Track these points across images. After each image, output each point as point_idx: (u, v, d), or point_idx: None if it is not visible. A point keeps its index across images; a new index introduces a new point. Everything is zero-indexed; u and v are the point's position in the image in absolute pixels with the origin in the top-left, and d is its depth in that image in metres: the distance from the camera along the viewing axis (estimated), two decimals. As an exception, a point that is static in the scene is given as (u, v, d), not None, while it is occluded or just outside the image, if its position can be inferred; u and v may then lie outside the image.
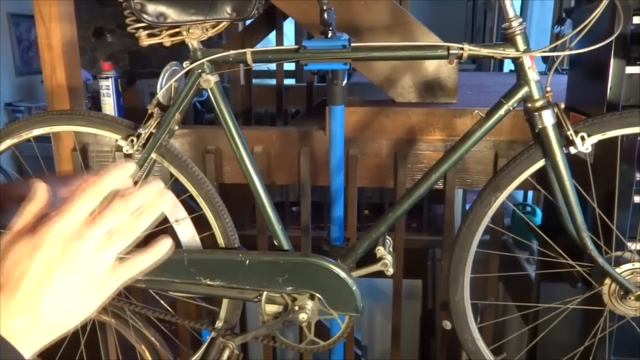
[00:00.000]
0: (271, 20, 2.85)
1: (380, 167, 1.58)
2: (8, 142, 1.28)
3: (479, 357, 1.17)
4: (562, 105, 1.02)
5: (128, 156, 1.53)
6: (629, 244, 1.13)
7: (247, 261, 1.14)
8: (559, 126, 1.00)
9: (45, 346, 0.49)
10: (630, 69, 1.17)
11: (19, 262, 0.48)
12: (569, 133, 1.00)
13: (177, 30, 1.08)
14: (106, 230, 0.50)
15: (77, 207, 0.50)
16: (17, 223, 0.51)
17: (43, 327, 0.48)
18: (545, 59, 2.29)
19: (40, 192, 0.53)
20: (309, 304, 1.14)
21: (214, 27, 1.08)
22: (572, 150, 1.01)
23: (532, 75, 1.00)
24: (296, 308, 1.14)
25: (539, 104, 1.00)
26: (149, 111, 1.17)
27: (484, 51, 1.01)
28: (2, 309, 0.47)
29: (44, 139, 1.39)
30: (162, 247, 0.54)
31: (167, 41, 1.09)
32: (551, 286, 1.62)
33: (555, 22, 2.90)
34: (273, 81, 3.31)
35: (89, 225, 0.50)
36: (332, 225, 1.33)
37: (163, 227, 1.29)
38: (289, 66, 3.20)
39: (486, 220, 1.11)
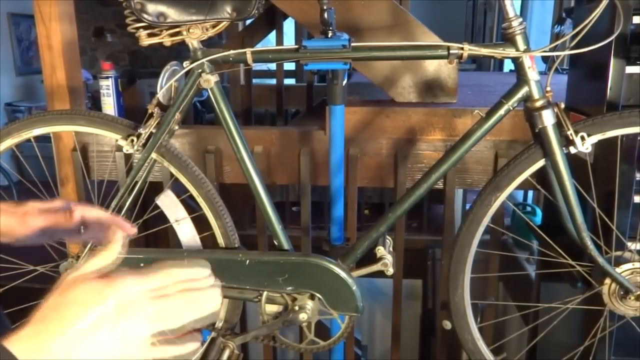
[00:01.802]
0: (271, 20, 2.85)
1: (380, 167, 1.58)
2: (8, 142, 1.28)
3: (479, 357, 1.17)
4: (562, 105, 1.02)
5: (128, 156, 1.53)
6: (629, 243, 1.13)
7: (247, 261, 1.14)
8: (559, 126, 1.00)
9: None
10: (630, 69, 1.17)
11: (76, 304, 0.49)
12: (569, 133, 1.00)
13: (177, 30, 1.08)
14: (159, 309, 0.53)
15: (150, 281, 0.53)
16: (89, 265, 0.53)
17: None
18: (545, 59, 2.29)
19: (119, 241, 0.56)
20: (309, 304, 1.14)
21: (214, 26, 1.08)
22: (572, 150, 1.01)
23: (532, 75, 1.00)
24: (296, 308, 1.14)
25: (539, 103, 1.00)
26: (149, 111, 1.17)
27: (484, 51, 1.01)
28: (40, 345, 0.47)
29: (44, 139, 1.39)
30: (191, 346, 0.56)
31: (167, 41, 1.09)
32: (551, 286, 1.62)
33: (555, 21, 2.90)
34: (273, 81, 3.31)
35: (150, 298, 0.52)
36: (332, 225, 1.33)
37: (163, 227, 1.29)
38: (289, 66, 3.20)
39: (486, 220, 1.11)
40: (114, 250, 0.56)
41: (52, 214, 0.84)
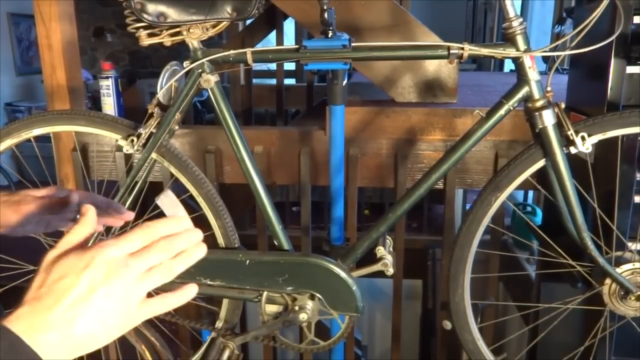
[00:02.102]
0: (271, 20, 2.85)
1: (381, 167, 1.58)
2: (8, 142, 1.28)
3: (479, 357, 1.17)
4: (563, 105, 1.02)
5: (128, 156, 1.53)
6: (629, 244, 1.13)
7: (247, 261, 1.14)
8: (559, 126, 1.00)
9: None
10: (630, 69, 1.17)
11: (65, 277, 0.50)
12: (569, 133, 1.00)
13: (177, 30, 1.08)
14: (147, 266, 0.54)
15: (128, 240, 0.54)
16: (65, 241, 0.54)
17: (71, 346, 0.50)
18: (545, 59, 2.29)
19: (90, 214, 0.57)
20: (309, 304, 1.13)
21: (214, 26, 1.08)
22: (573, 150, 1.01)
23: (533, 75, 0.99)
24: (296, 308, 1.14)
25: (539, 103, 1.00)
26: (149, 111, 1.17)
27: (485, 51, 1.01)
28: (39, 321, 0.48)
29: (44, 139, 1.39)
30: (188, 293, 0.59)
31: (167, 41, 1.09)
32: (551, 286, 1.62)
33: (555, 21, 2.90)
34: (273, 81, 3.31)
35: (134, 257, 0.53)
36: (332, 225, 1.33)
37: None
38: (289, 66, 3.20)
39: (486, 220, 1.11)
40: (87, 224, 0.57)
41: (46, 200, 0.85)
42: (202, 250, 0.59)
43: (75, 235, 0.55)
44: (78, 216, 0.79)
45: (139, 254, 0.54)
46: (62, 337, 0.49)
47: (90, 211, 0.58)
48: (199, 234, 0.59)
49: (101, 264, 0.51)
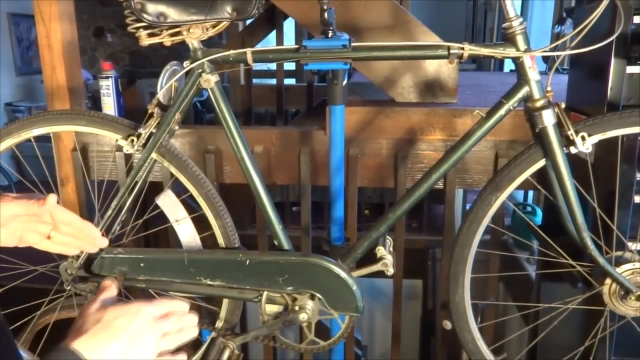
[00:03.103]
0: (271, 20, 2.85)
1: (381, 167, 1.58)
2: (8, 142, 1.28)
3: (479, 357, 1.17)
4: (563, 105, 1.02)
5: (128, 156, 1.53)
6: (629, 243, 1.13)
7: (247, 261, 1.14)
8: (559, 126, 1.00)
9: None
10: (630, 69, 1.17)
11: (119, 318, 0.67)
12: (569, 133, 1.00)
13: (177, 29, 1.08)
14: (165, 330, 0.72)
15: (158, 307, 0.73)
16: (102, 297, 0.72)
17: None
18: (545, 59, 2.29)
19: (114, 288, 0.76)
20: (309, 304, 1.13)
21: (214, 26, 1.08)
22: (573, 150, 1.01)
23: (533, 75, 0.99)
24: (296, 308, 1.14)
25: (539, 103, 1.00)
26: (149, 111, 1.17)
27: (485, 51, 1.01)
28: (103, 347, 0.64)
29: (44, 139, 1.39)
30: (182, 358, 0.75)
31: (167, 41, 1.09)
32: (551, 286, 1.62)
33: (555, 21, 2.90)
34: (273, 81, 3.31)
35: (159, 321, 0.72)
36: (332, 225, 1.33)
37: (163, 227, 1.29)
38: (289, 66, 3.20)
39: (486, 220, 1.11)
40: (112, 291, 0.75)
41: (25, 200, 0.83)
42: (196, 331, 0.77)
43: (108, 294, 0.73)
44: (53, 233, 0.86)
45: (163, 319, 0.72)
46: None
47: (112, 285, 0.77)
48: (195, 318, 0.77)
49: (145, 316, 0.69)
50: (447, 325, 1.22)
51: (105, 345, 0.64)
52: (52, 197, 0.82)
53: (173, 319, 0.73)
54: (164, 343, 0.71)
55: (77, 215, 0.87)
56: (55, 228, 0.86)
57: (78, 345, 0.63)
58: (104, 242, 0.89)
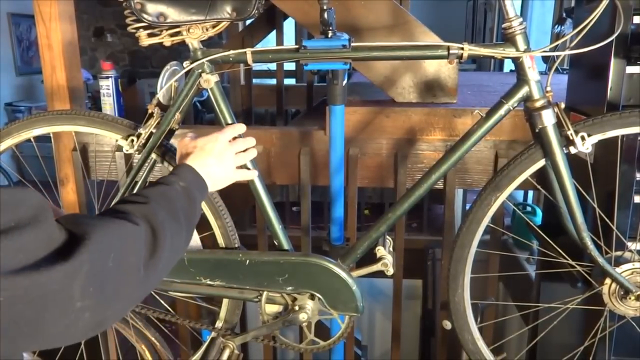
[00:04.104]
0: (271, 20, 2.85)
1: (381, 167, 1.58)
2: (8, 142, 1.28)
3: (479, 357, 1.17)
4: (563, 105, 1.02)
5: (128, 156, 1.53)
6: (629, 243, 1.13)
7: (247, 261, 1.14)
8: (559, 126, 1.00)
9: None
10: (630, 69, 1.17)
11: (208, 143, 0.98)
12: (569, 133, 1.00)
13: (177, 30, 1.08)
14: (236, 150, 1.01)
15: (226, 135, 1.01)
16: (187, 135, 1.02)
17: (213, 180, 0.97)
18: (545, 59, 2.30)
19: (240, 126, 1.06)
20: (309, 304, 1.14)
21: (214, 26, 1.08)
22: (573, 150, 1.01)
23: (533, 75, 0.99)
24: (296, 308, 1.14)
25: (539, 103, 1.00)
26: (149, 111, 1.17)
27: (484, 51, 1.01)
28: (204, 161, 0.96)
29: (44, 139, 1.39)
30: (254, 173, 1.11)
31: (167, 41, 1.09)
32: (551, 286, 1.62)
33: (555, 21, 2.90)
34: (273, 81, 3.31)
35: (231, 144, 1.01)
36: (332, 225, 1.33)
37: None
38: (289, 66, 3.20)
39: (486, 220, 1.11)
40: (239, 128, 1.06)
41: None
42: (255, 152, 1.06)
43: (230, 131, 1.03)
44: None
45: (234, 142, 1.02)
46: (212, 173, 0.96)
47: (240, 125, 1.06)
48: (253, 140, 1.05)
49: (222, 141, 0.99)
50: (447, 325, 1.22)
51: (205, 160, 0.96)
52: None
53: (240, 141, 1.02)
54: (238, 159, 1.02)
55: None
56: None
57: (190, 162, 0.95)
58: None
